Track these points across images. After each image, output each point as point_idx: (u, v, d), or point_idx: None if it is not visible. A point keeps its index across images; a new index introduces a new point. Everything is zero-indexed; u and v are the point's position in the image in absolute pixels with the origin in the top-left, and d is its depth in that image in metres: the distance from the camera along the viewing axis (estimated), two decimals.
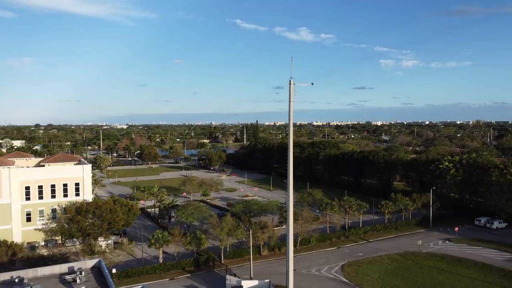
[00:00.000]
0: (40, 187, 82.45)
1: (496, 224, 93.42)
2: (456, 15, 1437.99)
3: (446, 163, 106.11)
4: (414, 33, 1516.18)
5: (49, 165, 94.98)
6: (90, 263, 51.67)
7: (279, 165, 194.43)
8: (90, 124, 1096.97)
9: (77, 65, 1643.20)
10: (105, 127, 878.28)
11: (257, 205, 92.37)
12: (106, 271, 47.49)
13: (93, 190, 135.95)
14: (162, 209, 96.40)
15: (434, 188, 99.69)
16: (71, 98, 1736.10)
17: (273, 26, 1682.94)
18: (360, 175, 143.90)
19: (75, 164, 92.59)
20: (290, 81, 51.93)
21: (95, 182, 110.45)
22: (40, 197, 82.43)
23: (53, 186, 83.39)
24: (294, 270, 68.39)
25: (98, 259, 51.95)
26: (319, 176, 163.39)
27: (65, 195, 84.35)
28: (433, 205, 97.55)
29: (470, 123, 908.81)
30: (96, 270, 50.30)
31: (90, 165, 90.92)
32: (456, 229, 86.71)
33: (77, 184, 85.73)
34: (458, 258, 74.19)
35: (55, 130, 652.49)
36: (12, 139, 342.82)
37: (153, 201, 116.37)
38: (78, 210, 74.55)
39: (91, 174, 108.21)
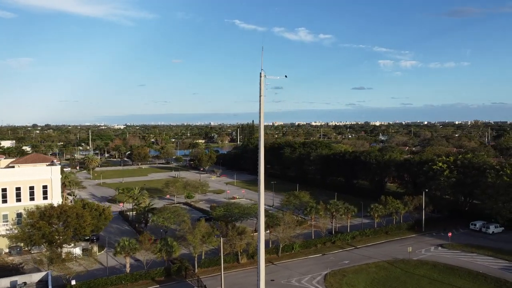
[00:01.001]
0: (4, 190, 76.97)
1: (492, 229, 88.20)
2: (454, 15, 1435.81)
3: (440, 164, 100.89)
4: (412, 34, 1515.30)
5: (19, 166, 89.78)
6: (37, 276, 46.34)
7: (271, 165, 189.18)
8: (89, 124, 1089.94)
9: (76, 65, 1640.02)
10: (103, 127, 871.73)
11: (239, 209, 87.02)
12: (51, 286, 42.01)
13: (73, 192, 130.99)
14: (139, 213, 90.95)
15: (426, 190, 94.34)
16: (70, 98, 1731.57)
17: (272, 26, 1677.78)
18: (352, 176, 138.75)
19: (47, 166, 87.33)
20: (260, 73, 46.58)
21: (69, 184, 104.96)
22: (4, 201, 76.99)
23: (18, 189, 77.91)
24: (272, 280, 63.42)
25: (46, 272, 46.48)
26: (310, 177, 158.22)
27: (32, 199, 78.91)
28: (425, 208, 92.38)
29: (469, 123, 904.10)
30: (43, 285, 44.87)
31: (59, 166, 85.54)
32: (450, 234, 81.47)
33: (45, 187, 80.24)
34: (451, 266, 68.93)
35: (51, 130, 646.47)
36: (3, 139, 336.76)
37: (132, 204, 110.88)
38: (41, 215, 69.08)
39: (65, 175, 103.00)
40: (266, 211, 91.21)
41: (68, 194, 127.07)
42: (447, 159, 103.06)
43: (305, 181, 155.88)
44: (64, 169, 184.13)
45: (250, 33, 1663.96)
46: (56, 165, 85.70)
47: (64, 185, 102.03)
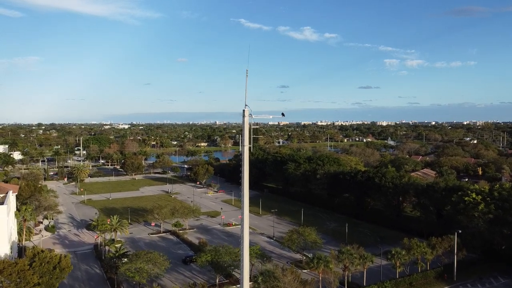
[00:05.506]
0: None
1: None
2: (460, 14, 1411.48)
3: (474, 195, 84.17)
4: (417, 33, 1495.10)
5: None
6: None
7: (273, 179, 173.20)
8: (95, 123, 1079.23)
9: (82, 64, 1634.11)
10: (108, 126, 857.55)
11: (230, 254, 71.01)
12: None
13: (50, 215, 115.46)
14: (108, 259, 75.17)
15: (459, 231, 77.53)
16: (76, 97, 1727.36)
17: (277, 25, 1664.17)
18: (364, 199, 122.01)
19: None
20: (243, 110, 30.56)
21: (31, 216, 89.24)
22: None
23: None
24: None
25: None
26: (317, 195, 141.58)
27: None
28: (458, 253, 75.82)
29: (477, 124, 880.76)
30: None
31: (5, 205, 69.60)
32: None
33: None
34: None
35: (54, 130, 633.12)
36: None
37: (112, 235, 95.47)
38: None
39: (25, 208, 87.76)
40: (267, 255, 74.97)
41: (39, 222, 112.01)
42: (482, 189, 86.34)
43: (311, 200, 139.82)
44: (45, 182, 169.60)
45: (255, 32, 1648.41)
46: (2, 203, 70.03)
47: (24, 220, 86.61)
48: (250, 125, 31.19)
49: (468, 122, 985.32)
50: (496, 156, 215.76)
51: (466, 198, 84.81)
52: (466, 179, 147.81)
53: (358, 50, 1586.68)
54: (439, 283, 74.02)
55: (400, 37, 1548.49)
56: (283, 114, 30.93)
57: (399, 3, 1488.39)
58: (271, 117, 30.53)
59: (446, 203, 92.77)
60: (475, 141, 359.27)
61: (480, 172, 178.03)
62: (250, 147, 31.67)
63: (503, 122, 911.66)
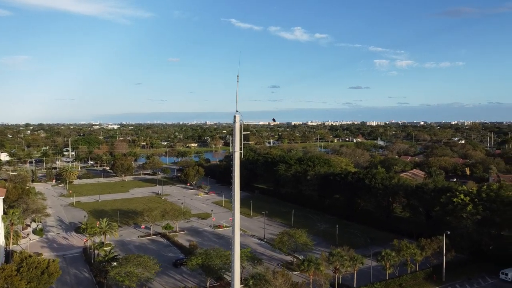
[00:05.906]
0: None
1: None
2: (449, 16, 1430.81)
3: (462, 196, 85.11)
4: (407, 34, 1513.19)
5: None
6: None
7: (264, 180, 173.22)
8: (84, 123, 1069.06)
9: (72, 63, 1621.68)
10: (97, 127, 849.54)
11: (221, 257, 70.63)
12: None
13: (38, 218, 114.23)
14: (97, 263, 74.39)
15: (448, 232, 78.29)
16: (65, 97, 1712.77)
17: (268, 25, 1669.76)
18: (354, 200, 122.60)
19: None
20: (234, 116, 30.50)
21: (19, 220, 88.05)
22: None
23: None
24: None
25: None
26: (308, 196, 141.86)
27: None
28: (447, 254, 76.55)
29: (465, 124, 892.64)
30: None
31: None
32: None
33: None
34: None
35: (42, 131, 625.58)
36: None
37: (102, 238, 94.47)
38: None
39: (12, 211, 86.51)
40: (258, 258, 74.93)
41: (27, 225, 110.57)
42: (470, 190, 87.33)
43: (301, 201, 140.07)
44: (33, 184, 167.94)
45: (246, 32, 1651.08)
46: None
47: (11, 224, 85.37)
48: (241, 126, 31.31)
49: (456, 122, 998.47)
50: (484, 157, 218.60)
51: (455, 199, 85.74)
52: (455, 180, 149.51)
53: (348, 50, 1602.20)
54: (428, 284, 74.62)
55: (390, 38, 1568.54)
56: (274, 120, 31.10)
57: (388, 5, 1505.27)
58: (261, 123, 30.43)
59: (435, 204, 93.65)
60: (463, 141, 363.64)
61: (468, 173, 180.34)
62: (241, 153, 31.64)
63: (490, 122, 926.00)
